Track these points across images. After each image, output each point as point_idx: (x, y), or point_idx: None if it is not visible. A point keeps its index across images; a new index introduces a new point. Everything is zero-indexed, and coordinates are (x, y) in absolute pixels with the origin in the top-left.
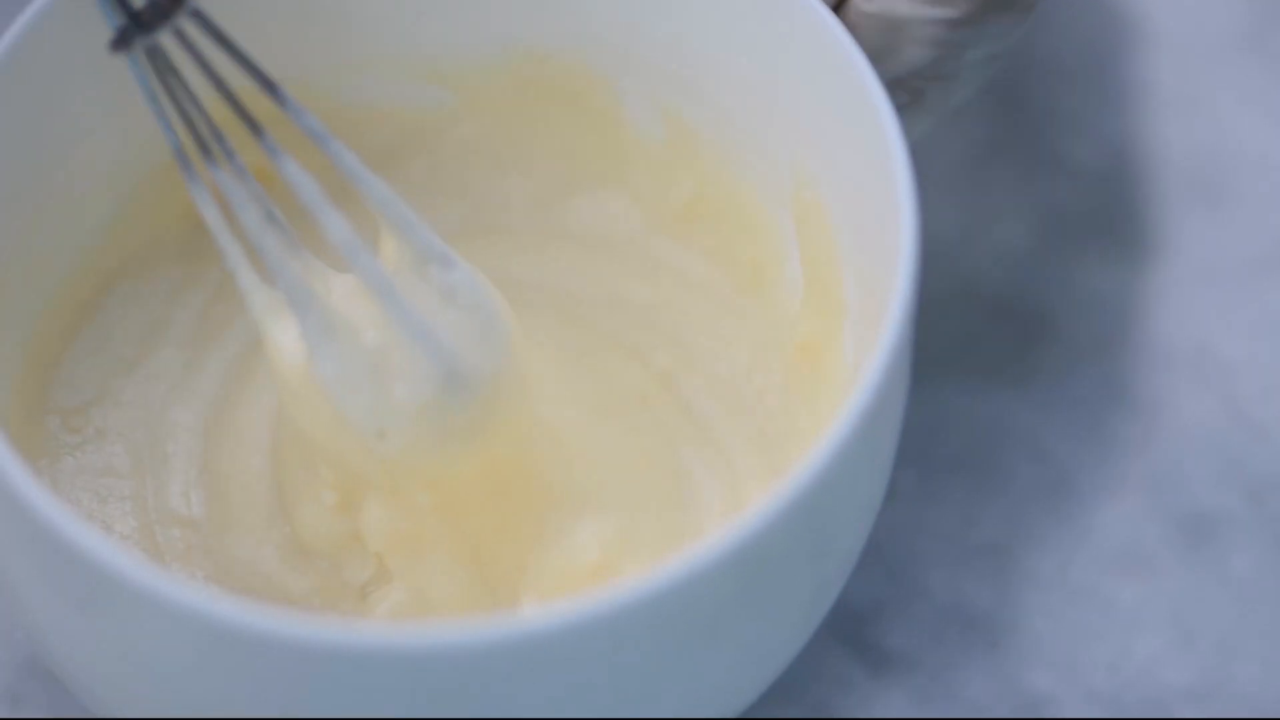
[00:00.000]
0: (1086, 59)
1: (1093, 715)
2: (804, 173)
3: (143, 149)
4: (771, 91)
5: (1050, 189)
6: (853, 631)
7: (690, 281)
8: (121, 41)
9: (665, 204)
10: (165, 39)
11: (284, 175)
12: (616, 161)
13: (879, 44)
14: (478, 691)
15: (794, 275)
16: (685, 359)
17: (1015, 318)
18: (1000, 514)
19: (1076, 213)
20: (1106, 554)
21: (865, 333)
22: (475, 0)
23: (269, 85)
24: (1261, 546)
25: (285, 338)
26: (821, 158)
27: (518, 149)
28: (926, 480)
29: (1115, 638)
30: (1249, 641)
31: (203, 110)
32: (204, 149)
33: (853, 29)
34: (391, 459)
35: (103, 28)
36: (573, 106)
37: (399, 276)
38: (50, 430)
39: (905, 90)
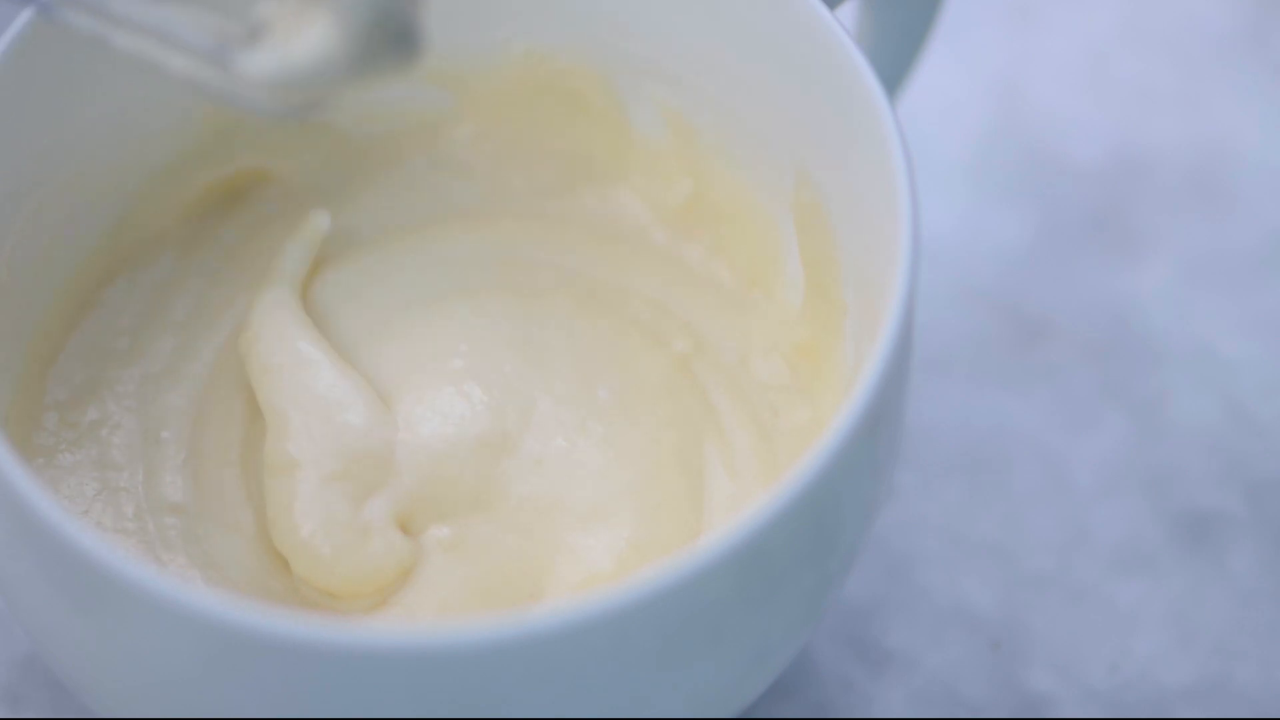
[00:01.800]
0: (1086, 59)
1: (1093, 715)
2: (804, 173)
3: (143, 149)
4: (771, 91)
5: (1050, 189)
6: (853, 631)
7: (695, 277)
8: None
9: (665, 203)
10: None
11: None
12: (617, 160)
13: None
14: (478, 691)
15: (794, 275)
16: (700, 347)
17: (1015, 318)
18: (1000, 514)
19: (1076, 213)
20: (1106, 554)
21: (865, 332)
22: (475, 1)
23: None
24: (1261, 546)
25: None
26: (821, 158)
27: (518, 148)
28: (926, 480)
29: (1115, 638)
30: (1249, 641)
31: None
32: None
33: None
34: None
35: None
36: (573, 106)
37: None
38: (49, 426)
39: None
